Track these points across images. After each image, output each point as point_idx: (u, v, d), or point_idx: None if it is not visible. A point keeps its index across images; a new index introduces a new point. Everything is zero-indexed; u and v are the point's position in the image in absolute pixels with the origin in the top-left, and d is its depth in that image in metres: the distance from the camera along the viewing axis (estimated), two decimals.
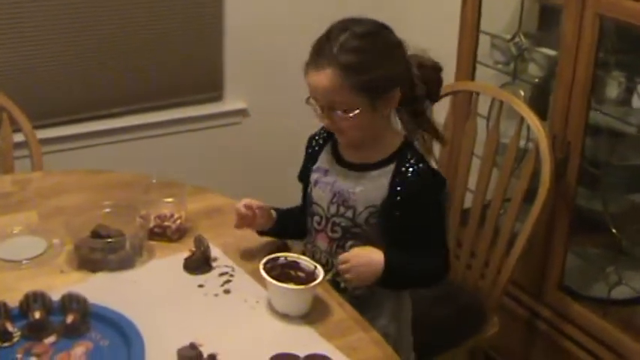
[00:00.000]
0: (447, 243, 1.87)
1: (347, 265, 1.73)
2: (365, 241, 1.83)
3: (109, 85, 2.98)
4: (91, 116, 3.00)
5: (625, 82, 2.35)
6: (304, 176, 1.94)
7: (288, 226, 1.95)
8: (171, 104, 3.15)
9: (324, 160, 1.90)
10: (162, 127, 3.13)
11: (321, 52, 1.72)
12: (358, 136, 1.80)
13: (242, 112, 3.29)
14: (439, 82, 1.84)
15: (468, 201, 2.38)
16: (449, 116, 2.45)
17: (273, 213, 1.92)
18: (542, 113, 2.29)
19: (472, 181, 2.36)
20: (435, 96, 1.86)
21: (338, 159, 1.87)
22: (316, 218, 1.88)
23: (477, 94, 2.36)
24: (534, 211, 2.16)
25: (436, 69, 1.82)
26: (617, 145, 2.42)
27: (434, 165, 1.96)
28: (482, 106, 2.41)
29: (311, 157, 1.93)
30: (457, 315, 2.26)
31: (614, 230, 2.40)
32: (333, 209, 1.84)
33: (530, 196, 2.19)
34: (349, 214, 1.82)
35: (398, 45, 1.77)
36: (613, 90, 2.34)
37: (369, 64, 1.71)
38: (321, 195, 1.86)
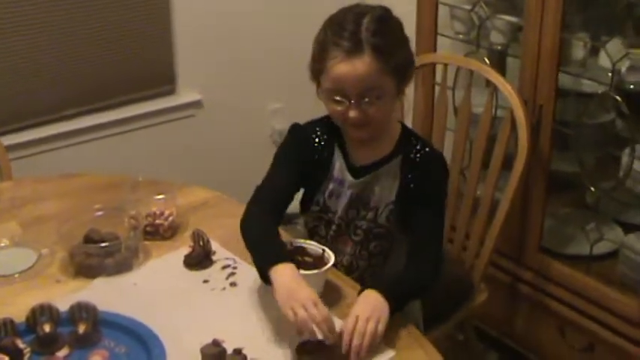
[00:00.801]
0: (442, 231, 1.83)
1: (360, 322, 1.52)
2: (387, 239, 1.83)
3: (61, 87, 2.88)
4: (44, 121, 2.89)
5: (590, 42, 2.39)
6: (307, 175, 1.83)
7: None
8: (125, 101, 3.07)
9: (338, 169, 1.82)
10: (117, 126, 3.04)
11: (345, 40, 1.64)
12: (381, 126, 1.76)
13: (196, 104, 3.23)
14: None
15: None
16: (418, 89, 2.46)
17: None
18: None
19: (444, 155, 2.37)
20: None
21: (349, 166, 1.81)
22: (334, 227, 1.84)
23: (445, 65, 2.36)
24: (513, 177, 2.17)
25: None
26: (586, 104, 2.45)
27: None
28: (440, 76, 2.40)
29: (317, 162, 1.82)
30: (445, 288, 2.26)
31: (592, 188, 2.44)
32: (352, 213, 1.82)
33: (503, 161, 2.21)
34: (371, 215, 1.80)
35: (403, 27, 1.75)
36: (579, 51, 2.37)
37: (396, 45, 1.69)
38: (337, 204, 1.82)
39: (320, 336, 1.49)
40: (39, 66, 2.80)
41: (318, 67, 1.69)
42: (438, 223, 1.80)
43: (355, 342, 1.49)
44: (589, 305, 2.39)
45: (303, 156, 1.83)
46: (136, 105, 3.09)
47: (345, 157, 1.81)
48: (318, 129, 1.84)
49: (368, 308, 1.55)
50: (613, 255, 2.46)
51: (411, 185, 1.77)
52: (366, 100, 1.67)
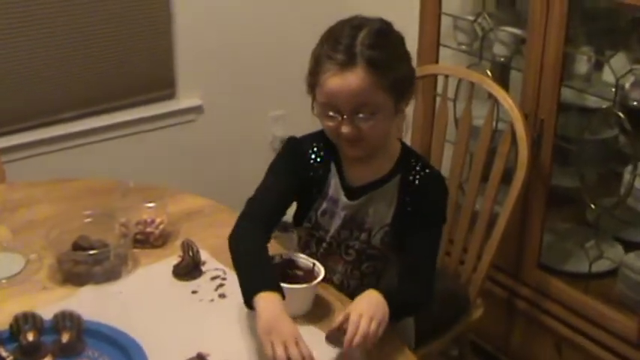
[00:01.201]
0: (436, 257, 1.78)
1: (364, 320, 1.49)
2: (381, 260, 1.79)
3: (61, 90, 2.86)
4: (42, 123, 2.88)
5: (594, 56, 2.35)
6: (302, 190, 1.78)
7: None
8: (124, 105, 3.05)
9: (333, 188, 1.77)
10: (116, 129, 3.03)
11: (340, 53, 1.59)
12: (376, 144, 1.70)
13: (197, 109, 3.21)
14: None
15: None
16: (418, 101, 2.43)
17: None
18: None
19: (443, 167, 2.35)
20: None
21: (344, 185, 1.76)
22: (324, 245, 1.81)
23: (446, 76, 2.34)
24: (512, 192, 2.14)
25: None
26: (589, 120, 2.42)
27: None
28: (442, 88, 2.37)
29: (312, 178, 1.78)
30: (441, 302, 2.23)
31: (592, 206, 2.41)
32: (344, 234, 1.78)
33: (503, 175, 2.18)
34: (364, 237, 1.77)
35: (404, 41, 1.70)
36: (582, 65, 2.34)
37: (394, 61, 1.63)
38: (330, 223, 1.79)
39: None
40: (37, 68, 2.79)
41: (313, 81, 1.65)
42: (434, 246, 1.75)
43: (356, 340, 1.46)
44: (586, 324, 2.35)
45: (298, 171, 1.78)
46: (135, 109, 3.08)
47: (341, 175, 1.76)
48: (315, 144, 1.79)
49: (371, 308, 1.52)
50: (612, 273, 2.43)
51: (408, 208, 1.73)
52: (360, 115, 1.62)
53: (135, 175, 2.19)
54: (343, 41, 1.60)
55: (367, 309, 1.51)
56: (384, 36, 1.64)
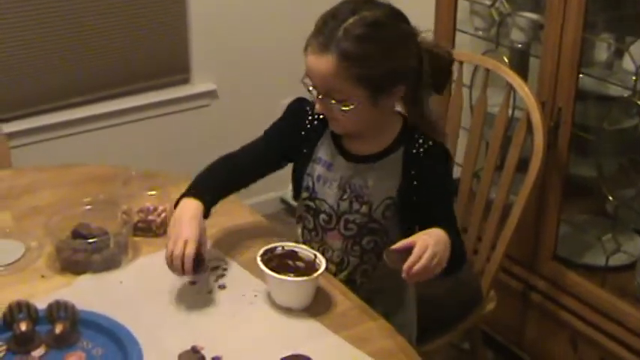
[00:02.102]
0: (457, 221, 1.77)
1: (428, 253, 1.51)
2: (383, 235, 1.74)
3: (73, 74, 2.84)
4: (54, 107, 2.86)
5: (614, 43, 2.28)
6: (292, 151, 1.80)
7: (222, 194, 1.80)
8: (138, 89, 3.02)
9: (325, 151, 1.75)
10: (129, 114, 3.01)
11: (324, 32, 1.57)
12: (353, 129, 1.69)
13: (211, 94, 3.18)
14: (449, 74, 1.73)
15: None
16: None
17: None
18: (522, 78, 2.20)
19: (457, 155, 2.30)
20: (441, 88, 1.73)
21: (341, 151, 1.74)
22: (323, 216, 1.76)
23: (461, 63, 2.28)
24: (528, 182, 2.09)
25: (448, 60, 1.71)
26: (608, 109, 2.35)
27: None
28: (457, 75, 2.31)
29: (304, 138, 1.78)
30: (453, 292, 2.19)
31: (610, 197, 2.34)
32: (344, 206, 1.74)
33: (518, 165, 2.12)
34: (364, 209, 1.72)
35: (410, 37, 1.63)
36: (602, 53, 2.27)
37: (375, 56, 1.57)
38: (327, 191, 1.75)
39: (173, 272, 1.60)
40: (47, 51, 2.77)
41: (304, 52, 1.63)
42: (452, 215, 1.73)
43: (416, 269, 1.49)
44: (602, 319, 2.29)
45: (291, 132, 1.80)
46: (149, 93, 3.05)
47: (338, 142, 1.75)
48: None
49: (439, 245, 1.53)
50: (630, 267, 2.37)
51: (415, 182, 1.69)
52: (332, 101, 1.61)
53: (147, 160, 2.16)
54: (330, 24, 1.58)
55: (435, 244, 1.52)
56: (376, 28, 1.58)
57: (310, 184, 1.77)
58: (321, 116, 1.75)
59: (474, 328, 2.22)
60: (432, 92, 1.71)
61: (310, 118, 1.78)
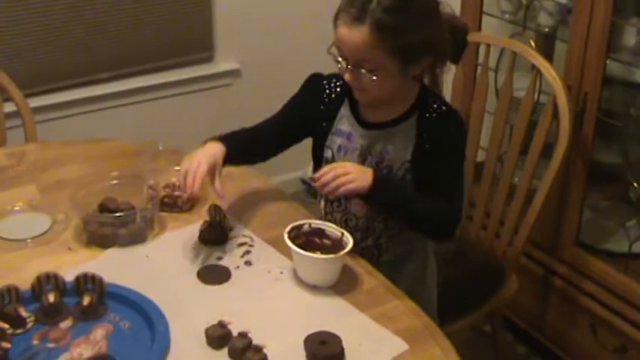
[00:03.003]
0: (463, 191, 1.80)
1: (339, 169, 1.63)
2: None
3: (99, 50, 2.85)
4: (80, 82, 2.87)
5: None
6: (311, 125, 1.82)
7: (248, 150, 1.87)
8: (162, 67, 3.03)
9: (344, 122, 1.79)
10: (153, 91, 3.01)
11: (356, 4, 1.59)
12: (380, 97, 1.71)
13: (234, 73, 3.17)
14: (465, 44, 1.77)
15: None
16: (458, 68, 2.35)
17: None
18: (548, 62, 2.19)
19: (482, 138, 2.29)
20: (457, 58, 1.80)
21: (359, 120, 1.77)
22: None
23: (488, 45, 2.26)
24: (552, 166, 2.08)
25: (465, 31, 1.75)
26: (635, 95, 2.33)
27: None
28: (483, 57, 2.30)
29: (323, 112, 1.81)
30: (475, 275, 2.20)
31: (635, 184, 2.32)
32: None
33: (542, 149, 2.12)
34: (386, 173, 1.74)
35: (436, 9, 1.66)
36: (631, 38, 2.25)
37: (409, 27, 1.60)
38: (348, 160, 1.76)
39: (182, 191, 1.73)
40: (73, 27, 2.77)
41: (334, 21, 1.65)
42: (457, 173, 1.75)
43: (326, 177, 1.62)
44: (624, 305, 2.28)
45: (309, 106, 1.82)
46: (173, 71, 3.06)
47: (355, 112, 1.77)
48: (334, 80, 1.81)
49: (358, 171, 1.64)
50: None
51: (427, 145, 1.71)
52: (362, 70, 1.63)
53: (170, 138, 2.16)
54: None
55: (353, 168, 1.64)
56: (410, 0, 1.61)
57: (330, 155, 1.79)
58: (338, 89, 1.79)
59: (495, 311, 2.22)
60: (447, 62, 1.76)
61: (328, 91, 1.81)
